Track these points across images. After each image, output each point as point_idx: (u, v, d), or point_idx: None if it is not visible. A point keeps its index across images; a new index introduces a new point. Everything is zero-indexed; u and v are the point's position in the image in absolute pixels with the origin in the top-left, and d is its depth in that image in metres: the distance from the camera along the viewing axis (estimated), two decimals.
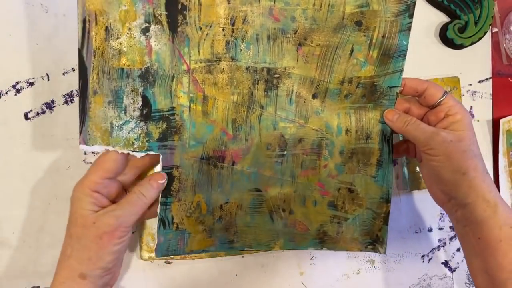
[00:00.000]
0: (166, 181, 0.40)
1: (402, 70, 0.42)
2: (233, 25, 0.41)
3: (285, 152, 0.44)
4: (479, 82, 0.57)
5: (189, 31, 0.40)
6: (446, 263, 0.55)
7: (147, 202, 0.39)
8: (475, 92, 0.57)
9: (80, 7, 0.38)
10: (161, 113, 0.40)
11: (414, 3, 0.41)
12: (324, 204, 0.45)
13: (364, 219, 0.45)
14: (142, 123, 0.40)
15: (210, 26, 0.40)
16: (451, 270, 0.55)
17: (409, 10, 0.41)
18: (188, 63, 0.41)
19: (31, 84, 0.47)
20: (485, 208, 0.38)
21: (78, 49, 0.38)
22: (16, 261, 0.46)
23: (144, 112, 0.40)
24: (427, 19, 0.56)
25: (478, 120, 0.57)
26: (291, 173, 0.44)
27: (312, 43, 0.42)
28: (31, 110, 0.47)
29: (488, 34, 0.56)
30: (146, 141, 0.40)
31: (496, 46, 0.57)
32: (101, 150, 0.39)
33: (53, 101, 0.47)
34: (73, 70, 0.48)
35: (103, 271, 0.38)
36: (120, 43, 0.39)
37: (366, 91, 0.43)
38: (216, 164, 0.42)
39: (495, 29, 0.57)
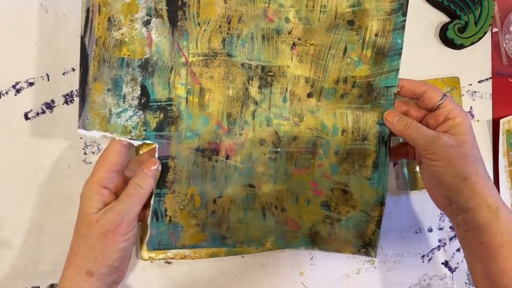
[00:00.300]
0: (160, 166, 0.40)
1: (398, 69, 0.42)
2: (229, 23, 0.42)
3: (279, 149, 0.44)
4: (479, 82, 0.57)
5: (188, 26, 0.41)
6: (446, 263, 0.55)
7: (146, 191, 0.39)
8: (475, 92, 0.57)
9: None
10: (159, 103, 0.41)
11: (407, 1, 0.41)
12: (317, 204, 0.45)
13: (358, 221, 0.44)
14: (140, 112, 0.40)
15: (208, 23, 0.41)
16: (451, 270, 0.55)
17: (402, 9, 0.41)
18: (186, 56, 0.41)
19: (31, 84, 0.47)
20: (486, 213, 0.38)
21: (81, 36, 0.39)
22: (16, 261, 0.46)
23: (143, 101, 0.40)
24: (427, 19, 0.56)
25: (478, 120, 0.57)
26: (284, 170, 0.44)
27: (306, 42, 0.43)
28: (31, 110, 0.47)
29: (488, 34, 0.56)
30: (144, 130, 0.40)
31: (496, 46, 0.57)
32: (98, 136, 0.39)
33: (53, 101, 0.47)
34: (73, 70, 0.48)
35: (110, 269, 0.38)
36: (122, 34, 0.39)
37: (362, 91, 0.43)
38: (211, 157, 0.43)
39: (495, 29, 0.57)
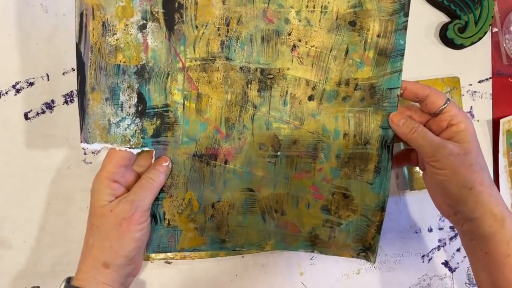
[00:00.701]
0: (170, 164, 0.41)
1: (401, 71, 0.41)
2: (227, 25, 0.41)
3: (279, 153, 0.43)
4: (479, 82, 0.57)
5: (186, 29, 0.40)
6: (446, 263, 0.55)
7: (157, 185, 0.40)
8: (475, 92, 0.57)
9: (77, 0, 0.38)
10: (156, 110, 0.41)
11: (409, 1, 0.41)
12: (317, 208, 0.44)
13: (358, 225, 0.44)
14: (137, 120, 0.40)
15: (206, 26, 0.41)
16: (451, 270, 0.55)
17: (404, 9, 0.41)
18: (183, 61, 0.41)
19: (31, 84, 0.47)
20: (492, 223, 0.37)
21: (76, 43, 0.38)
22: (16, 261, 0.46)
23: (139, 108, 0.40)
24: (427, 19, 0.56)
25: (478, 120, 0.57)
26: (284, 174, 0.44)
27: (306, 44, 0.42)
28: (31, 110, 0.47)
29: (488, 34, 0.56)
30: (141, 137, 0.40)
31: (496, 46, 0.57)
32: (100, 148, 0.39)
33: (53, 101, 0.47)
34: (73, 70, 0.48)
35: (126, 259, 0.38)
36: (117, 39, 0.39)
37: (365, 93, 0.42)
38: (209, 162, 0.43)
39: (495, 29, 0.57)
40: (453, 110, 0.40)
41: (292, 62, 0.42)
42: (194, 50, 0.41)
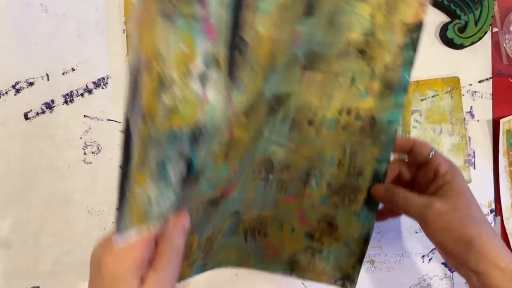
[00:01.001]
0: (189, 220, 0.34)
1: (402, 105, 0.40)
2: (273, 57, 0.34)
3: (270, 176, 0.41)
4: (479, 82, 0.57)
5: (243, 72, 0.32)
6: (446, 263, 0.55)
7: (182, 250, 0.33)
8: (475, 92, 0.57)
9: (132, 52, 0.29)
10: (197, 173, 0.32)
11: (419, 37, 0.39)
12: (301, 233, 0.43)
13: (339, 254, 0.43)
14: (178, 190, 0.31)
15: (261, 64, 0.33)
16: (451, 270, 0.55)
17: (413, 44, 0.39)
18: (234, 110, 0.33)
19: (31, 84, 0.47)
20: (500, 277, 0.35)
21: (125, 113, 0.30)
22: (16, 261, 0.46)
23: (184, 178, 0.31)
24: (427, 19, 0.56)
25: (478, 120, 0.57)
26: (273, 197, 0.42)
27: (314, 68, 0.39)
28: (31, 110, 0.47)
29: (488, 34, 0.56)
30: (175, 203, 0.32)
31: (496, 46, 0.57)
32: (134, 236, 0.30)
33: (53, 101, 0.47)
34: (73, 70, 0.48)
35: None
36: (174, 97, 0.28)
37: (364, 124, 0.40)
38: (217, 202, 0.39)
39: (495, 29, 0.57)
40: (438, 159, 0.39)
41: (300, 85, 0.39)
42: (245, 95, 0.33)
